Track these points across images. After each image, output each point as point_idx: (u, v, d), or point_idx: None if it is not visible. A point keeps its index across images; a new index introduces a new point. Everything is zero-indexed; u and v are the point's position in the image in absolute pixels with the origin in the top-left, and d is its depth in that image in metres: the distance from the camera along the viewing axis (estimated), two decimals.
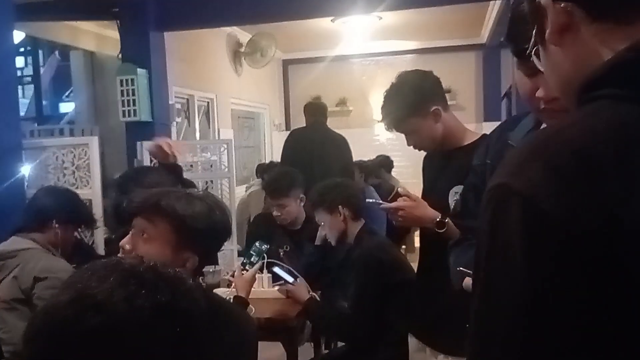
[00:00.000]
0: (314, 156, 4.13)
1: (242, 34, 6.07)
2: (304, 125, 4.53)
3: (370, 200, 2.13)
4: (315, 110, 4.44)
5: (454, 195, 1.67)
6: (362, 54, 7.24)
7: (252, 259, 2.17)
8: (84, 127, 4.85)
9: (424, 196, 1.88)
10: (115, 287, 0.69)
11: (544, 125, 1.12)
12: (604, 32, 0.54)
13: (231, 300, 1.94)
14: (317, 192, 2.40)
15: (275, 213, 2.78)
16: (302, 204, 2.74)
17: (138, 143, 3.91)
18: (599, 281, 0.46)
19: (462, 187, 1.61)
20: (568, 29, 0.56)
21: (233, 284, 2.09)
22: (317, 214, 2.39)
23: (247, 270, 2.12)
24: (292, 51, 7.49)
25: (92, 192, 3.16)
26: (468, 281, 1.05)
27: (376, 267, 2.13)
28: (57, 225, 2.12)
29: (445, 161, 1.80)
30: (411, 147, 1.86)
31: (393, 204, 1.81)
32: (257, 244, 2.21)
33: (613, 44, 0.53)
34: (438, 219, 1.65)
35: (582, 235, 0.46)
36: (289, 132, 7.42)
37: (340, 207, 2.29)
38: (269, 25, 5.58)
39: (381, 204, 1.91)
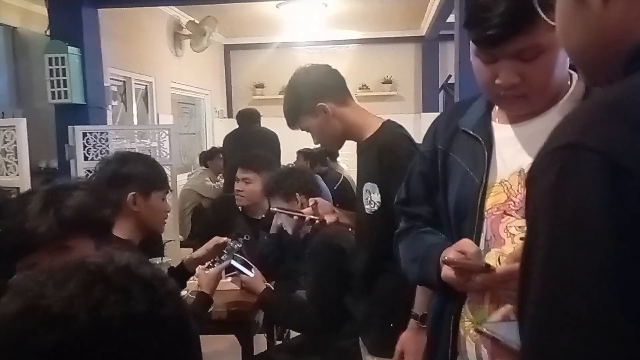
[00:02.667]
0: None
1: (183, 16, 5.83)
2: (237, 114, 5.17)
3: (275, 209, 2.08)
4: (248, 115, 4.97)
5: (367, 192, 1.65)
6: (307, 42, 7.16)
7: (222, 257, 2.04)
8: (5, 109, 4.47)
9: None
10: (76, 295, 0.56)
11: (490, 108, 1.11)
12: None
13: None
14: (273, 179, 2.31)
15: (237, 187, 2.70)
16: None
17: (69, 127, 3.65)
18: None
19: (371, 184, 1.62)
20: None
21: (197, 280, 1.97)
22: (273, 201, 2.29)
23: (214, 267, 2.00)
24: (235, 36, 7.29)
25: (19, 179, 2.91)
26: (447, 271, 1.00)
27: (336, 255, 2.07)
28: None
29: (359, 155, 1.78)
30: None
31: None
32: (231, 242, 2.08)
33: None
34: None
35: None
36: (230, 119, 7.31)
37: (297, 194, 2.21)
38: (211, 8, 5.38)
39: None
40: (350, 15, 6.19)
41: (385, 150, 1.61)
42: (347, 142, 1.81)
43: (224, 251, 2.05)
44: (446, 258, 0.97)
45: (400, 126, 1.72)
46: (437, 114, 5.16)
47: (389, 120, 1.73)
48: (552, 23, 0.64)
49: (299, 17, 5.94)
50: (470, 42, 1.02)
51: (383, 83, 7.19)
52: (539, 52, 0.96)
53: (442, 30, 6.51)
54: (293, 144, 5.11)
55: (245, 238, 2.63)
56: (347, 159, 5.88)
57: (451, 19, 5.22)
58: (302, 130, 1.79)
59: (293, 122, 1.77)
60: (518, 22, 0.94)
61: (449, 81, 6.65)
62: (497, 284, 0.92)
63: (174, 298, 0.63)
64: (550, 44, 0.95)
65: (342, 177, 4.72)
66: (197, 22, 5.70)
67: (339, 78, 1.77)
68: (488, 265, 0.91)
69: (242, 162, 2.84)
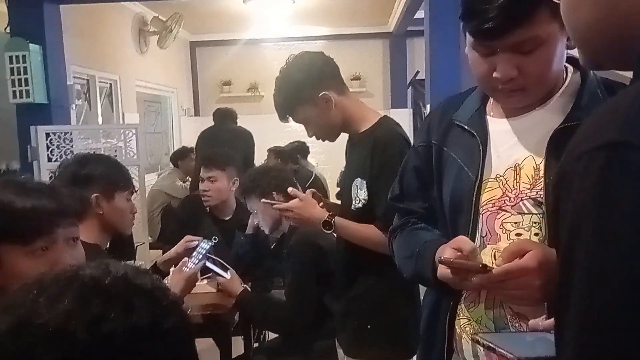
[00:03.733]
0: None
1: (148, 12, 5.69)
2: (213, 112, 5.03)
3: (265, 201, 2.04)
4: (224, 113, 4.92)
5: (355, 188, 1.62)
6: (274, 38, 7.10)
7: (194, 260, 1.98)
8: None
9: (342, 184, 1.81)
10: (73, 310, 0.52)
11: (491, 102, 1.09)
12: None
13: None
14: (249, 177, 2.27)
15: (202, 187, 2.64)
16: (234, 187, 2.61)
17: (32, 127, 3.53)
18: None
19: (360, 180, 1.59)
20: None
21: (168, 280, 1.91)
22: (249, 201, 2.26)
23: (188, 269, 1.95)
24: (201, 33, 7.17)
25: None
26: (442, 270, 0.97)
27: (314, 254, 2.04)
28: None
29: (350, 148, 1.74)
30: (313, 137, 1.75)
31: (283, 205, 1.75)
32: (202, 242, 2.03)
33: None
34: (324, 219, 1.62)
35: None
36: (198, 117, 7.19)
37: (274, 193, 2.18)
38: (177, 4, 5.27)
39: (274, 204, 1.83)
40: (317, 11, 6.17)
41: (379, 147, 1.57)
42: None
43: (198, 251, 2.00)
44: (442, 258, 0.95)
45: (398, 124, 1.68)
46: (406, 110, 5.20)
47: (386, 116, 1.69)
48: (557, 0, 0.60)
49: (266, 12, 5.88)
50: (467, 34, 0.99)
51: (352, 79, 7.20)
52: (537, 44, 0.94)
53: (410, 26, 6.55)
54: (263, 142, 5.08)
55: (214, 240, 2.59)
56: (318, 157, 5.87)
57: (419, 14, 5.26)
58: (297, 122, 1.69)
59: (288, 113, 1.67)
60: (518, 14, 0.91)
61: (417, 77, 6.70)
62: (494, 284, 0.90)
63: (177, 308, 0.59)
64: (549, 36, 0.93)
65: (313, 175, 4.71)
66: (163, 18, 5.58)
67: (336, 66, 1.69)
68: (485, 266, 0.89)
69: (204, 161, 2.79)
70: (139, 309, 0.54)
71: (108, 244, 1.85)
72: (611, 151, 0.43)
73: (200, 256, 1.96)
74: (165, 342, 0.55)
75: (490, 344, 0.78)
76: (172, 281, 1.89)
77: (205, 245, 2.02)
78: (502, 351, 0.74)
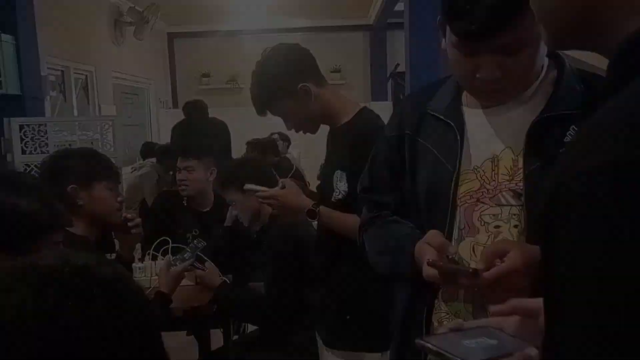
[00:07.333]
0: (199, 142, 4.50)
1: (123, 2, 5.59)
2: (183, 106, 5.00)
3: (249, 186, 2.02)
4: (194, 106, 4.85)
5: (336, 179, 1.60)
6: (254, 30, 7.04)
7: (185, 255, 1.95)
8: None
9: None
10: (27, 302, 0.49)
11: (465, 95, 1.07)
12: None
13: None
14: (228, 169, 2.25)
15: (179, 177, 2.61)
16: (212, 177, 2.58)
17: (5, 119, 3.45)
18: None
19: (341, 172, 1.57)
20: None
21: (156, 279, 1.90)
22: (228, 193, 2.23)
23: (176, 266, 1.94)
24: (179, 24, 7.07)
25: None
26: (428, 270, 0.93)
27: (295, 246, 2.04)
28: None
29: (331, 140, 1.72)
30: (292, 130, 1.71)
31: (267, 192, 1.72)
32: (194, 241, 2.01)
33: None
34: (309, 208, 1.60)
35: None
36: (176, 110, 7.10)
37: (253, 185, 2.16)
38: None
39: (258, 190, 1.80)
40: (297, 3, 6.14)
41: (360, 141, 1.54)
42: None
43: (187, 249, 1.98)
44: (431, 260, 0.92)
45: (378, 116, 1.66)
46: (387, 102, 5.21)
47: (366, 108, 1.67)
48: None
49: (245, 3, 5.83)
50: (448, 31, 0.95)
51: (332, 72, 7.18)
52: (523, 45, 0.92)
53: (390, 18, 6.56)
54: (242, 135, 5.04)
55: (194, 233, 2.57)
56: (299, 149, 5.84)
57: (399, 7, 5.26)
58: (275, 115, 1.66)
59: (266, 106, 1.63)
60: (505, 16, 0.88)
61: (397, 70, 6.72)
62: (483, 288, 0.89)
63: (139, 301, 0.57)
64: (534, 36, 0.91)
65: (294, 168, 4.69)
66: (139, 9, 5.49)
67: (313, 58, 1.66)
68: (475, 270, 0.87)
69: (180, 151, 2.77)
70: (97, 301, 0.51)
71: (96, 236, 1.83)
72: (620, 169, 0.39)
73: (190, 254, 1.94)
74: (125, 337, 0.52)
75: (436, 349, 0.70)
76: (161, 279, 1.88)
77: (199, 244, 2.01)
78: (451, 356, 0.68)
